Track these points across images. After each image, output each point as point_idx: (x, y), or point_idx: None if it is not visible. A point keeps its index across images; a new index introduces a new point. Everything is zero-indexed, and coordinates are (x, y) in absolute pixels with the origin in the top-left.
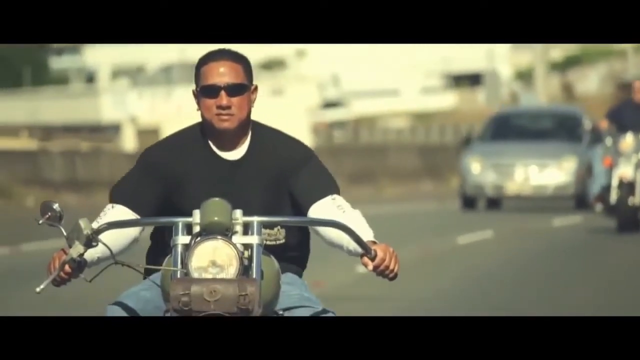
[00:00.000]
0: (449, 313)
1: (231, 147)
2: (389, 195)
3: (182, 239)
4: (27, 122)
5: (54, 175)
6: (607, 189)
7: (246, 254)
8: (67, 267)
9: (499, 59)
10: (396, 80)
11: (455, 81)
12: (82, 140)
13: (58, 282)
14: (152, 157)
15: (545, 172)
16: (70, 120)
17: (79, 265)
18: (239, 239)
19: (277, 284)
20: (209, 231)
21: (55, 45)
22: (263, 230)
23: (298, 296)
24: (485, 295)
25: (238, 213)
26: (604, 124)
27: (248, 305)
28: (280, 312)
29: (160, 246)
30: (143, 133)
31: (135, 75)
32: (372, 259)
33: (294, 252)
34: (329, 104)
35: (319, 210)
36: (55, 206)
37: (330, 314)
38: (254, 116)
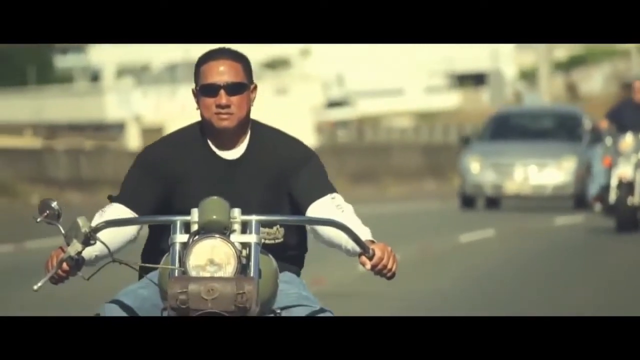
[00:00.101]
0: (449, 312)
1: (230, 146)
2: (392, 195)
3: (180, 238)
4: (32, 120)
5: (59, 174)
6: (606, 188)
7: (244, 252)
8: (65, 265)
9: (503, 58)
10: (400, 80)
11: (459, 81)
12: (87, 139)
13: (56, 280)
14: (151, 156)
15: (544, 172)
16: (75, 119)
17: (77, 263)
18: (237, 237)
19: (275, 282)
20: (207, 230)
21: (60, 44)
22: (262, 229)
23: (296, 295)
24: (485, 294)
25: (236, 212)
26: (604, 124)
27: (246, 303)
28: (278, 311)
29: (158, 244)
30: (147, 132)
31: (139, 74)
32: (370, 258)
33: (292, 251)
34: (333, 104)
35: (317, 209)
36: (54, 204)
37: (328, 313)
38: (259, 115)
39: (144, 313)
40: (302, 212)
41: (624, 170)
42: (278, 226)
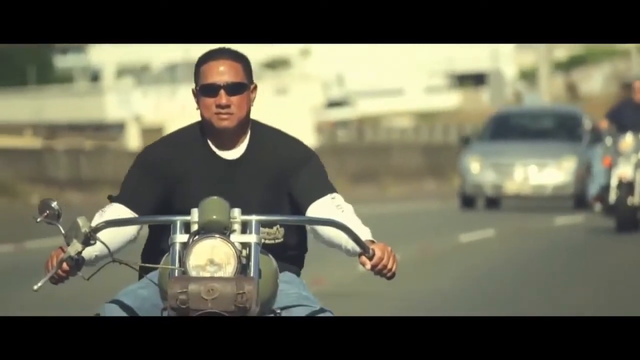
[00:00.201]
0: (449, 311)
1: (230, 146)
2: (392, 195)
3: (180, 238)
4: (32, 120)
5: (59, 174)
6: (606, 188)
7: (244, 252)
8: (64, 265)
9: (503, 58)
10: (400, 80)
11: (459, 81)
12: (87, 139)
13: (56, 280)
14: (151, 156)
15: (544, 172)
16: (75, 119)
17: (77, 263)
18: (237, 237)
19: (275, 282)
20: (207, 230)
21: (60, 44)
22: (262, 229)
23: (296, 295)
24: (486, 294)
25: (236, 212)
26: (604, 124)
27: (246, 303)
28: (278, 311)
29: (158, 244)
30: (147, 132)
31: (139, 74)
32: (370, 258)
33: (292, 251)
34: (333, 104)
35: (317, 209)
36: (54, 204)
37: (328, 313)
38: (259, 115)
39: (144, 313)
40: (302, 212)
41: (624, 170)
42: (278, 226)
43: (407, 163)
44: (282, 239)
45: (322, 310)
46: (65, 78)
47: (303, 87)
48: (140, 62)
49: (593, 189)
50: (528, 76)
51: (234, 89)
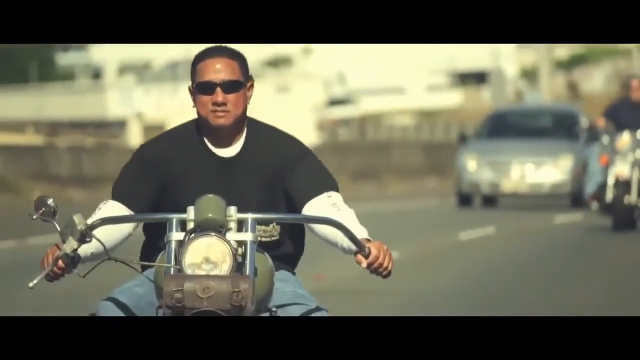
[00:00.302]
0: (448, 309)
1: (226, 144)
2: (393, 192)
3: (176, 236)
4: (34, 117)
5: (61, 171)
6: (603, 187)
7: (240, 250)
8: (60, 263)
9: (505, 57)
10: (402, 78)
11: (460, 79)
12: (88, 136)
13: (51, 277)
14: (148, 154)
15: (541, 170)
16: (77, 116)
17: (73, 260)
18: (232, 235)
19: (270, 280)
20: (203, 228)
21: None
22: (258, 227)
23: (292, 293)
24: (485, 292)
25: (232, 210)
26: (601, 122)
27: (241, 302)
28: (274, 309)
29: (153, 242)
30: (149, 129)
31: (141, 71)
32: (366, 257)
33: (288, 249)
34: (335, 102)
35: (314, 207)
36: (50, 201)
37: (323, 312)
38: (260, 113)
39: (139, 311)
40: (298, 210)
41: (620, 169)
42: (274, 224)
43: (408, 161)
44: (278, 237)
45: (317, 308)
46: (67, 75)
47: (305, 85)
48: (142, 60)
49: (590, 188)
50: (529, 75)
51: (230, 86)
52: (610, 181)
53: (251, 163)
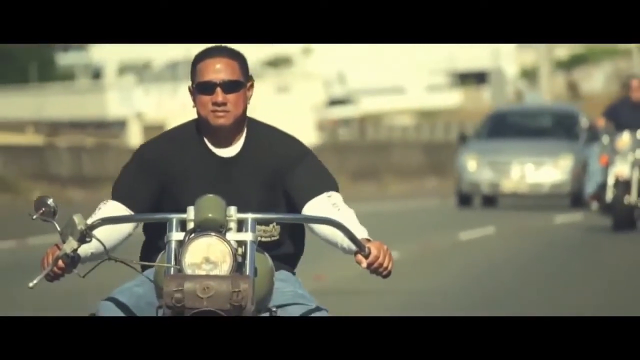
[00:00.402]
0: (449, 309)
1: (226, 144)
2: (393, 192)
3: (176, 236)
4: (34, 117)
5: (61, 171)
6: (602, 187)
7: (240, 250)
8: (60, 263)
9: (505, 57)
10: (402, 78)
11: (460, 79)
12: (88, 136)
13: (51, 277)
14: (148, 154)
15: (541, 170)
16: (77, 116)
17: (73, 260)
18: (232, 235)
19: (270, 280)
20: (203, 228)
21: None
22: (258, 227)
23: (292, 293)
24: (486, 291)
25: (232, 210)
26: (601, 122)
27: (241, 302)
28: (274, 309)
29: (153, 242)
30: (149, 129)
31: (141, 71)
32: (366, 257)
33: (288, 249)
34: (335, 102)
35: (314, 207)
36: (50, 201)
37: (323, 312)
38: (260, 113)
39: (139, 311)
40: (298, 210)
41: (620, 169)
42: (274, 224)
43: (408, 161)
44: (278, 237)
45: (317, 308)
46: (67, 75)
47: (305, 85)
48: (142, 59)
49: (590, 188)
50: (529, 75)
51: (230, 86)
52: (610, 181)
53: (251, 163)
